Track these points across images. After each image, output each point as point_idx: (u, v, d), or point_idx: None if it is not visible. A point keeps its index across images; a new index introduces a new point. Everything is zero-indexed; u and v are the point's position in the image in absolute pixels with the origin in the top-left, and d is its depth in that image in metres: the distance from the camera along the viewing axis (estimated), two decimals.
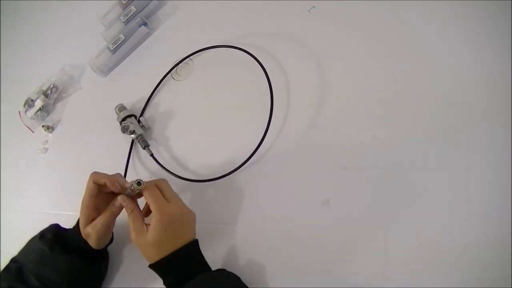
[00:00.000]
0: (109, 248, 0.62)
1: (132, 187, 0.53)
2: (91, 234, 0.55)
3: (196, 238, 0.54)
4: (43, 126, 0.79)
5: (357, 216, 0.54)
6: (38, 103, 0.80)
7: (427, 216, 0.51)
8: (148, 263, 0.52)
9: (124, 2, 0.80)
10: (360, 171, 0.56)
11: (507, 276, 0.45)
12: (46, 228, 0.59)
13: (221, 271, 0.54)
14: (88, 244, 0.56)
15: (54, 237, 0.57)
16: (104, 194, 0.56)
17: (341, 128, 0.59)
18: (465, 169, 0.51)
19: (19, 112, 0.81)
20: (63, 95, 0.82)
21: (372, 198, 0.54)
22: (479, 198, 0.50)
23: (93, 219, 0.55)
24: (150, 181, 0.55)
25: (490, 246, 0.48)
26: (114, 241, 0.61)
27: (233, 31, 0.71)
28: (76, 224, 0.58)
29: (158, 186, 0.55)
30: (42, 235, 0.58)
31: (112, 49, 0.77)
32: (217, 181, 0.61)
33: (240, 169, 0.61)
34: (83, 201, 0.56)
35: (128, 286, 0.61)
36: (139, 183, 0.52)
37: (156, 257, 0.51)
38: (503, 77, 0.53)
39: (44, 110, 0.81)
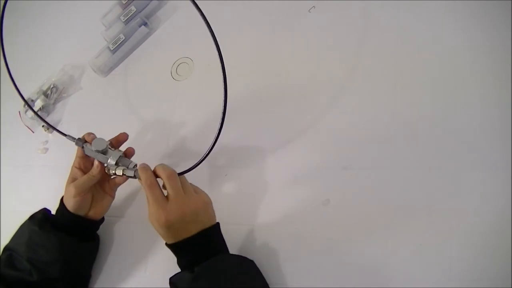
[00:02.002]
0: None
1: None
2: (71, 192, 0.56)
3: (217, 222, 0.54)
4: (43, 126, 0.79)
5: (357, 216, 0.54)
6: (38, 103, 0.80)
7: (427, 216, 0.51)
8: (165, 242, 0.53)
9: (124, 2, 0.80)
10: (360, 171, 0.56)
11: (507, 276, 0.45)
12: (36, 212, 0.60)
13: (236, 256, 0.53)
14: (77, 219, 0.57)
15: (43, 216, 0.58)
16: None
17: (342, 128, 0.58)
18: (465, 168, 0.51)
19: (19, 112, 0.81)
20: (63, 95, 0.82)
21: (372, 198, 0.54)
22: (479, 198, 0.50)
23: None
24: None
25: (490, 246, 0.48)
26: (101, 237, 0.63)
27: (233, 32, 0.71)
28: (61, 202, 0.59)
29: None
30: (31, 217, 0.59)
31: (112, 49, 0.77)
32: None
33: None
34: (74, 162, 0.61)
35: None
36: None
37: (173, 240, 0.51)
38: (503, 77, 0.53)
39: (44, 110, 0.80)
